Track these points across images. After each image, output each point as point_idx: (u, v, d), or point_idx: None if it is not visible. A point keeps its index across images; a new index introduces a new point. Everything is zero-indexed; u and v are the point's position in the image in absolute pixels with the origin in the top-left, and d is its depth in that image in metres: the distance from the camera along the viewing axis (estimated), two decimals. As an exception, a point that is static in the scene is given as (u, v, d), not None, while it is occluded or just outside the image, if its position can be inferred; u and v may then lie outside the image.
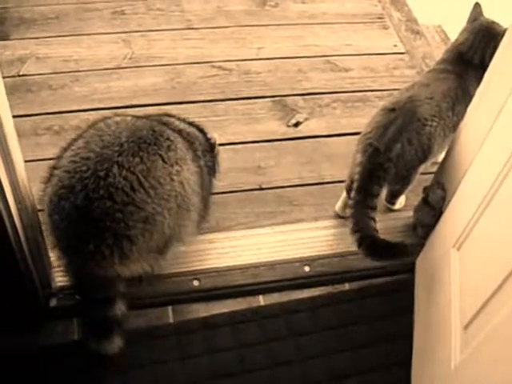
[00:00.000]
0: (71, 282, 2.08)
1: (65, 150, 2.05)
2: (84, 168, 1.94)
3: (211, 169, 2.36)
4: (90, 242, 1.92)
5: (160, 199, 2.00)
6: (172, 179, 2.04)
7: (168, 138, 2.09)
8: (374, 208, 2.28)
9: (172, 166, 2.04)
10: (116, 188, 1.93)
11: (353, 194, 2.30)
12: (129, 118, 2.14)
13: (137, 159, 1.97)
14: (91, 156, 1.96)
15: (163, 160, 2.03)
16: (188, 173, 2.10)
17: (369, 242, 2.26)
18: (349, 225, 2.29)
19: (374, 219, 2.28)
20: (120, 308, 2.08)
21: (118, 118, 2.13)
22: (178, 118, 2.36)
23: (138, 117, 2.19)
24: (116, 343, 2.10)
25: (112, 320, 2.08)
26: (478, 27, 2.51)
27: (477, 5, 2.56)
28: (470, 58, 2.49)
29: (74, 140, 2.07)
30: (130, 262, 2.01)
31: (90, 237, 1.92)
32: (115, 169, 1.94)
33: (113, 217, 1.92)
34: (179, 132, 2.22)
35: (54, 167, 2.04)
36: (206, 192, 2.30)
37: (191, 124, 2.38)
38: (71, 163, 1.98)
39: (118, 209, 1.93)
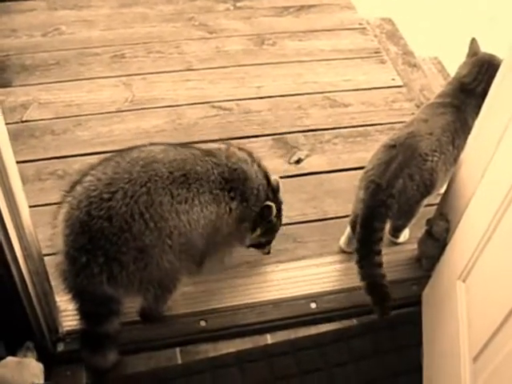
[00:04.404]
0: (67, 292, 2.09)
1: (92, 168, 2.09)
2: (93, 187, 2.00)
3: (250, 215, 2.28)
4: (83, 255, 1.97)
5: (160, 233, 2.02)
6: (179, 217, 2.04)
7: (185, 175, 2.08)
8: (378, 242, 2.30)
9: (180, 203, 2.05)
10: (116, 213, 1.97)
11: (357, 229, 2.31)
12: (159, 148, 2.14)
13: (143, 189, 1.99)
14: (103, 178, 2.02)
15: (172, 196, 2.03)
16: (199, 214, 2.09)
17: (370, 282, 2.32)
18: (354, 259, 2.32)
19: (378, 253, 2.30)
20: (112, 325, 2.12)
21: (149, 148, 2.15)
22: (249, 156, 2.29)
23: (181, 146, 2.20)
24: (109, 358, 2.18)
25: (103, 335, 2.13)
26: (480, 60, 2.53)
27: (473, 40, 2.59)
28: (473, 89, 2.50)
29: (104, 160, 2.11)
30: (119, 286, 2.04)
31: (84, 250, 1.97)
32: (119, 195, 1.98)
33: (107, 238, 1.96)
34: (223, 168, 2.17)
35: (77, 181, 2.08)
36: (224, 237, 2.25)
37: (265, 174, 2.31)
38: (88, 181, 2.03)
39: (114, 232, 1.97)
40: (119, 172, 2.03)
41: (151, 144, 2.20)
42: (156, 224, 2.00)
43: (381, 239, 2.31)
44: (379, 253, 2.30)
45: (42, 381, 1.79)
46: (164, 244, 2.03)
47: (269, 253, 2.54)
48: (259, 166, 2.31)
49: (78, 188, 2.04)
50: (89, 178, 2.04)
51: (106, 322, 2.11)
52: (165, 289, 2.22)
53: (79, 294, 2.07)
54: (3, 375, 1.70)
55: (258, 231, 2.34)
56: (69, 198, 2.04)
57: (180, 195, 2.05)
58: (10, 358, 1.78)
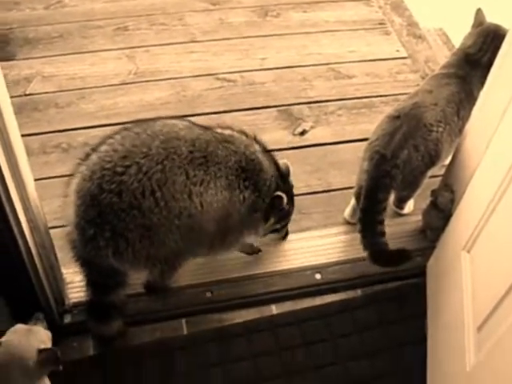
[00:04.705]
0: (75, 261, 2.11)
1: (110, 137, 2.06)
2: (108, 159, 1.98)
3: (261, 207, 2.26)
4: (92, 228, 1.97)
5: (169, 213, 2.00)
6: (191, 198, 2.02)
7: (205, 156, 2.07)
8: (381, 212, 2.31)
9: (195, 184, 2.02)
10: (127, 188, 1.95)
11: (361, 199, 2.32)
12: (183, 124, 2.12)
13: (158, 167, 1.97)
14: (119, 150, 1.99)
15: (187, 176, 2.01)
16: (213, 197, 2.07)
17: (373, 250, 2.33)
18: (357, 229, 2.35)
19: (381, 222, 2.32)
20: (118, 296, 2.15)
21: (173, 122, 2.13)
22: (262, 146, 2.26)
23: (204, 127, 2.17)
24: (113, 327, 2.20)
25: (109, 305, 2.15)
26: (486, 30, 2.52)
27: (479, 10, 2.57)
28: (479, 59, 2.49)
29: (124, 129, 2.09)
30: (124, 261, 2.05)
31: (93, 223, 1.97)
32: (133, 169, 1.96)
33: (115, 213, 1.96)
34: (240, 156, 2.16)
35: (93, 149, 2.06)
36: (237, 225, 2.23)
37: (274, 163, 2.29)
38: (104, 151, 2.01)
39: (123, 208, 1.95)
40: (137, 145, 2.00)
41: (175, 118, 2.19)
42: (166, 203, 1.99)
43: (384, 209, 2.32)
44: (382, 222, 2.32)
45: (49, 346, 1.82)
46: (172, 224, 2.02)
47: (286, 236, 2.52)
48: (270, 155, 2.29)
49: (93, 157, 2.02)
50: (105, 147, 2.02)
51: (111, 292, 2.13)
52: (171, 265, 2.22)
53: (87, 264, 2.09)
54: (11, 341, 1.74)
55: (272, 220, 2.33)
56: (82, 168, 2.02)
57: (196, 176, 2.03)
58: (19, 325, 1.81)
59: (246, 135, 2.24)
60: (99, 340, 2.26)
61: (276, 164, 2.30)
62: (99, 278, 2.11)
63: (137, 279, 2.29)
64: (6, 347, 1.73)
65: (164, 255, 2.11)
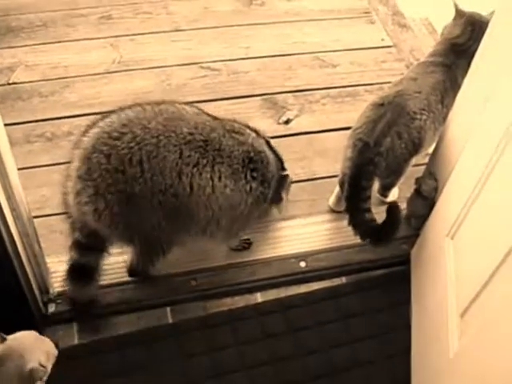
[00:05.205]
0: (67, 218, 2.18)
1: (122, 109, 2.11)
2: (110, 124, 2.05)
3: (269, 197, 2.28)
4: (79, 183, 2.04)
5: (153, 186, 2.03)
6: (180, 177, 2.04)
7: (206, 140, 2.08)
8: (366, 200, 2.31)
9: (187, 165, 2.04)
10: (117, 152, 2.00)
11: (345, 188, 2.32)
12: (193, 111, 2.15)
13: (153, 140, 2.01)
14: (123, 118, 2.05)
15: (180, 155, 2.03)
16: (207, 182, 2.08)
17: (365, 233, 2.34)
18: (346, 219, 2.35)
19: (368, 210, 2.33)
20: (96, 259, 2.19)
21: (183, 105, 2.16)
22: (266, 140, 2.28)
23: (214, 117, 2.19)
24: (87, 292, 2.24)
25: (85, 267, 2.19)
26: (471, 20, 2.52)
27: (454, 3, 2.57)
28: (467, 49, 2.49)
29: (136, 104, 2.13)
30: (103, 224, 2.08)
31: (81, 178, 2.04)
32: (127, 137, 2.01)
33: (100, 172, 2.01)
34: (249, 147, 2.17)
35: (104, 116, 2.11)
36: (244, 215, 2.23)
37: (274, 152, 2.30)
38: (111, 118, 2.08)
39: (108, 169, 2.00)
40: (140, 118, 2.05)
41: (187, 103, 2.23)
42: (152, 176, 2.01)
43: (369, 197, 2.32)
44: (369, 210, 2.32)
45: (49, 362, 1.80)
46: (154, 197, 2.04)
47: None
48: (271, 147, 2.30)
49: (101, 123, 2.08)
50: (113, 115, 2.09)
51: (90, 254, 2.17)
52: (150, 247, 2.23)
53: (73, 221, 2.15)
54: (18, 339, 1.76)
55: (284, 198, 2.36)
56: (92, 129, 2.08)
57: (191, 157, 2.05)
58: (32, 331, 1.83)
59: (251, 129, 2.26)
60: (74, 306, 2.27)
61: (276, 154, 2.31)
62: (81, 238, 2.15)
63: (122, 268, 2.30)
64: (10, 342, 1.74)
65: (144, 231, 2.13)
